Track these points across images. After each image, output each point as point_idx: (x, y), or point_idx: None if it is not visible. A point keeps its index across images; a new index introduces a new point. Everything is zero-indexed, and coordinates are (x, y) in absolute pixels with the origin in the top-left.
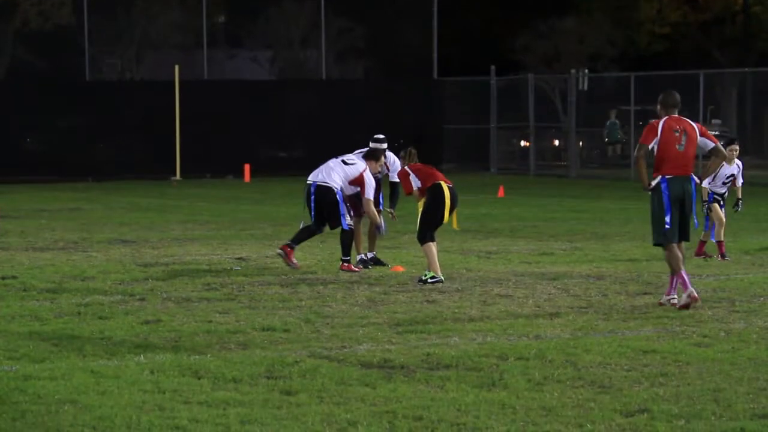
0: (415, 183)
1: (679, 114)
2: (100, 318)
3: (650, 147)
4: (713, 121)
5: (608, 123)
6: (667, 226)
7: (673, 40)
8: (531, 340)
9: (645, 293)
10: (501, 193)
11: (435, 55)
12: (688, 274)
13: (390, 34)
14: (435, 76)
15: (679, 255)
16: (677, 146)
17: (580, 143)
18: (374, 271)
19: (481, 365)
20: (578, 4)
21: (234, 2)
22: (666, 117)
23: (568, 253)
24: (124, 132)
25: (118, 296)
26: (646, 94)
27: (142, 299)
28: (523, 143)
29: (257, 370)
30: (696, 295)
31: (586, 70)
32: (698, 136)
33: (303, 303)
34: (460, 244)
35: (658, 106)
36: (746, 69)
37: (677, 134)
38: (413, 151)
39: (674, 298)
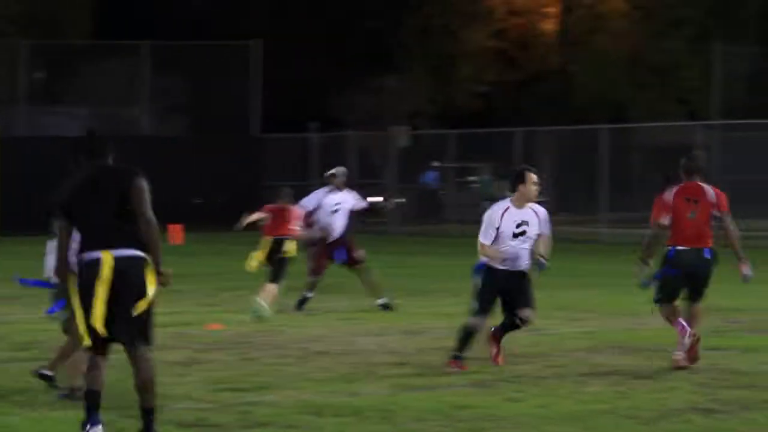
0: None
1: (691, 179)
2: None
3: (666, 222)
4: None
5: (480, 179)
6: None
7: (490, 98)
8: (348, 396)
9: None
10: None
11: (258, 111)
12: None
13: (211, 91)
14: (257, 133)
15: (675, 308)
16: (688, 215)
17: (402, 200)
18: (193, 329)
19: (297, 422)
20: (399, 63)
21: (52, 58)
22: (681, 185)
23: (383, 313)
24: None
25: None
26: (465, 150)
27: None
28: None
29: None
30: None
31: (407, 128)
32: (712, 203)
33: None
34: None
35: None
36: (562, 126)
37: (688, 202)
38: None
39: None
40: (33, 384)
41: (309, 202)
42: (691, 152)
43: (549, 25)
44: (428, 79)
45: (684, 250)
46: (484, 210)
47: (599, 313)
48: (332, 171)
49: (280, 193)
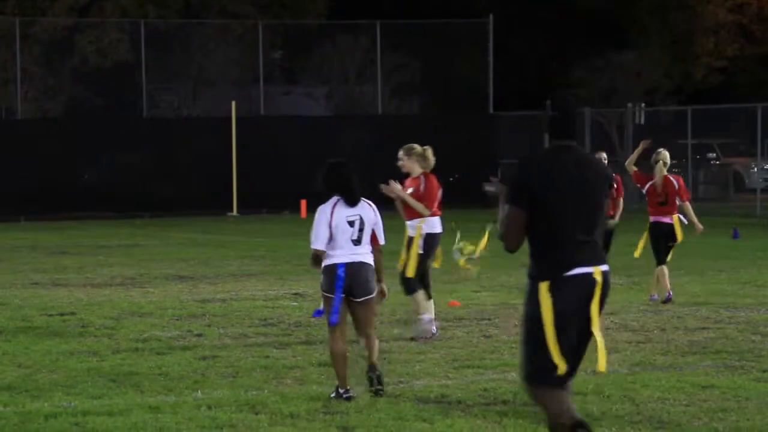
0: None
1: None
2: (158, 354)
3: None
4: None
5: None
6: None
7: (730, 73)
8: (588, 375)
9: (703, 328)
10: None
11: (491, 89)
12: None
13: (445, 69)
14: (491, 110)
15: None
16: None
17: None
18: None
19: None
20: (636, 39)
21: (289, 38)
22: None
23: (627, 288)
24: (181, 168)
25: (176, 332)
26: (703, 127)
27: (200, 335)
28: None
29: (314, 405)
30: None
31: (643, 104)
32: None
33: (359, 339)
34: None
35: None
36: None
37: None
38: None
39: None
40: (270, 361)
41: None
42: None
43: None
44: (665, 55)
45: None
46: None
47: None
48: None
49: None
